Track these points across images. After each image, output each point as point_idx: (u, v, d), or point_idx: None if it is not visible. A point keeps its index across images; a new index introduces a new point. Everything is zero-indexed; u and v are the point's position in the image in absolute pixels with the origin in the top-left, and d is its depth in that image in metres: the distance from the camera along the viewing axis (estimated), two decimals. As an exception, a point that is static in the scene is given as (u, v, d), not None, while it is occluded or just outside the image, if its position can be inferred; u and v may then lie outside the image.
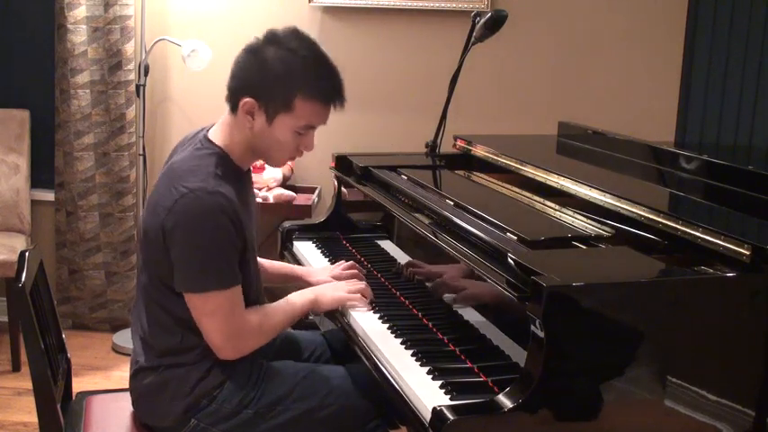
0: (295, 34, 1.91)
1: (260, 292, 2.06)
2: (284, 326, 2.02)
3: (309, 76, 1.87)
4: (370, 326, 2.00)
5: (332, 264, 2.44)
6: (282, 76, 1.86)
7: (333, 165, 2.75)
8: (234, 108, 1.92)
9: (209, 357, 1.92)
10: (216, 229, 1.83)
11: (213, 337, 1.88)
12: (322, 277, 2.24)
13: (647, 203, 1.94)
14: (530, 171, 2.41)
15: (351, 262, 2.29)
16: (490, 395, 1.58)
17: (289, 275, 2.31)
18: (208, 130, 1.99)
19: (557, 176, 2.29)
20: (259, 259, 2.25)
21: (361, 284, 2.13)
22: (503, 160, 2.56)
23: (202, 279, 1.83)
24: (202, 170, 1.87)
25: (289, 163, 3.75)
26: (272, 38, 1.90)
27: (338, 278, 2.21)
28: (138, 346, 2.00)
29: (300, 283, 2.27)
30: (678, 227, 1.82)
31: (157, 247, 1.87)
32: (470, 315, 1.98)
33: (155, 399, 1.95)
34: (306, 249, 2.60)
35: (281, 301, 2.04)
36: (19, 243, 3.59)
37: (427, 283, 2.16)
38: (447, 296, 2.07)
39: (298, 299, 2.06)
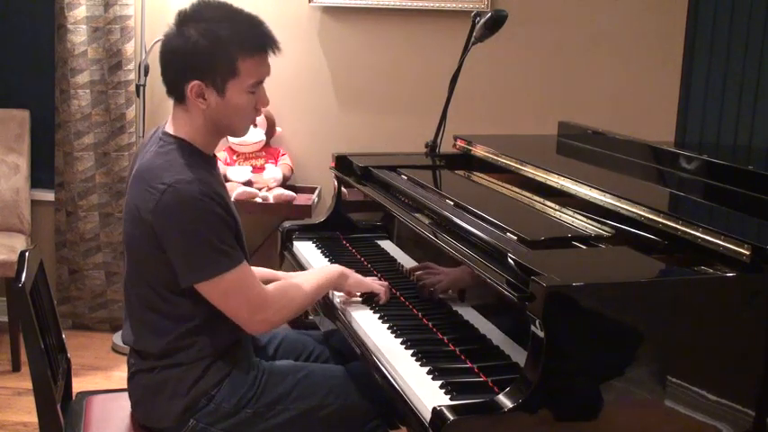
0: (204, 4, 1.92)
1: None
2: (310, 297, 2.02)
3: (238, 35, 1.87)
4: (370, 326, 2.00)
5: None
6: (215, 47, 1.85)
7: (333, 165, 2.75)
8: (180, 97, 1.91)
9: (206, 357, 1.92)
10: (206, 215, 1.83)
11: (238, 314, 1.88)
12: None
13: (647, 203, 1.94)
14: (530, 171, 2.41)
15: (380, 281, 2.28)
16: (490, 395, 1.58)
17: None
18: (163, 128, 1.98)
19: (557, 176, 2.29)
20: (264, 270, 2.25)
21: (384, 284, 2.16)
22: (503, 160, 2.56)
23: (208, 265, 1.83)
24: (173, 164, 1.86)
25: (288, 163, 3.75)
26: (184, 18, 1.90)
27: None
28: (136, 345, 1.99)
29: None
30: (678, 227, 1.82)
31: (148, 251, 1.86)
32: (470, 315, 1.98)
33: (153, 400, 1.95)
34: (306, 249, 2.60)
35: (306, 272, 2.05)
36: (19, 243, 3.59)
37: (431, 288, 2.16)
38: (446, 295, 2.08)
39: (324, 271, 2.08)
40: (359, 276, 2.15)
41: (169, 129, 1.95)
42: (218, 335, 1.92)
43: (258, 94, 1.93)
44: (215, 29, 1.86)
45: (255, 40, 1.90)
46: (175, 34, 1.89)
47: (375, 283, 2.17)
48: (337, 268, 2.13)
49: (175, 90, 1.92)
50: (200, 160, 1.93)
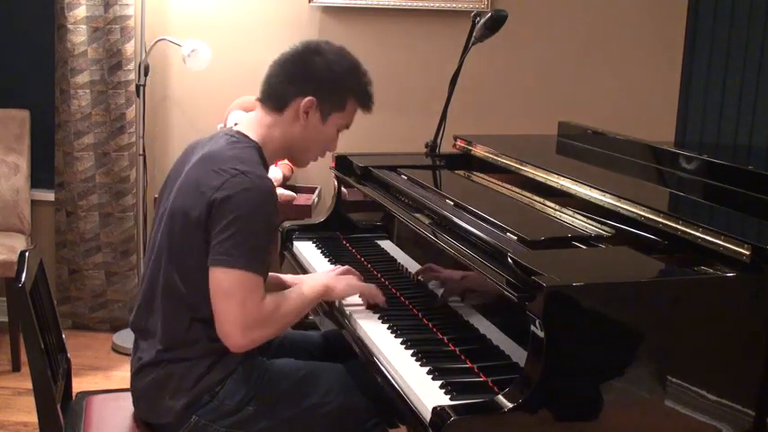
0: (330, 44, 2.08)
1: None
2: (295, 317, 2.01)
3: (361, 80, 2.08)
4: (370, 326, 2.00)
5: (333, 264, 2.44)
6: (343, 77, 2.04)
7: (333, 165, 2.75)
8: (282, 107, 2.00)
9: (211, 353, 1.92)
10: (264, 213, 1.87)
11: (225, 321, 1.86)
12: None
13: (647, 203, 1.94)
14: (530, 171, 2.41)
15: (346, 266, 2.26)
16: (490, 395, 1.59)
17: (280, 286, 2.24)
18: (230, 128, 2.05)
19: (557, 176, 2.29)
20: None
21: (373, 286, 2.14)
22: (503, 160, 2.56)
23: (235, 255, 1.83)
24: (247, 159, 1.92)
25: (288, 163, 3.76)
26: (312, 46, 2.05)
27: None
28: (143, 340, 1.99)
29: None
30: (678, 227, 1.82)
31: (195, 228, 1.86)
32: (470, 315, 1.98)
33: (157, 395, 1.95)
34: (306, 249, 2.60)
35: (293, 291, 2.03)
36: (19, 243, 3.59)
37: (439, 290, 2.15)
38: (453, 298, 2.07)
39: (308, 289, 2.06)
40: (346, 281, 2.11)
41: (242, 129, 2.02)
42: None
43: (338, 135, 2.10)
44: (345, 64, 2.06)
45: (368, 92, 2.10)
46: (301, 55, 2.03)
47: (364, 286, 2.12)
48: (321, 282, 2.08)
49: (282, 98, 2.01)
50: (266, 168, 2.00)
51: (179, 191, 1.95)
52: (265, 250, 1.89)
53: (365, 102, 2.09)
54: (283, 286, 2.24)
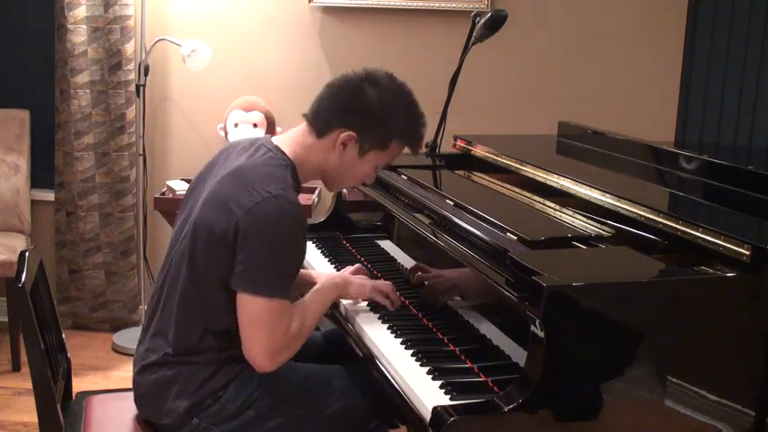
0: (391, 78, 2.00)
1: None
2: (318, 321, 2.04)
3: (409, 122, 1.99)
4: (369, 326, 2.00)
5: (333, 264, 2.44)
6: (387, 118, 1.95)
7: (333, 165, 2.74)
8: (323, 133, 1.95)
9: (219, 360, 1.92)
10: (293, 239, 1.85)
11: (252, 347, 1.86)
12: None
13: (647, 203, 1.94)
14: (530, 171, 2.41)
15: (357, 265, 2.28)
16: (490, 395, 1.59)
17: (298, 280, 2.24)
18: (270, 140, 2.00)
19: (557, 176, 2.29)
20: None
21: (389, 285, 2.14)
22: (503, 160, 2.56)
23: (261, 282, 1.82)
24: (280, 179, 1.88)
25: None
26: (373, 77, 1.97)
27: None
28: (152, 338, 1.98)
29: (306, 288, 2.19)
30: (678, 227, 1.82)
31: (218, 245, 1.84)
32: (470, 315, 1.98)
33: (160, 395, 1.95)
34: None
35: (312, 297, 2.04)
36: (19, 243, 3.59)
37: (434, 289, 2.15)
38: (453, 299, 2.07)
39: (324, 289, 2.06)
40: (361, 281, 2.12)
41: (282, 145, 1.98)
42: (236, 343, 1.91)
43: (375, 172, 2.04)
44: (395, 103, 1.96)
45: (417, 134, 2.01)
46: (356, 85, 1.95)
47: (377, 287, 2.12)
48: (336, 282, 2.09)
49: (326, 125, 1.96)
50: (298, 187, 1.96)
51: (207, 202, 1.91)
52: (292, 276, 1.90)
53: (412, 144, 2.02)
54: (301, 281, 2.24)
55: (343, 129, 1.94)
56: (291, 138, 2.00)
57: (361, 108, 1.94)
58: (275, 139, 2.00)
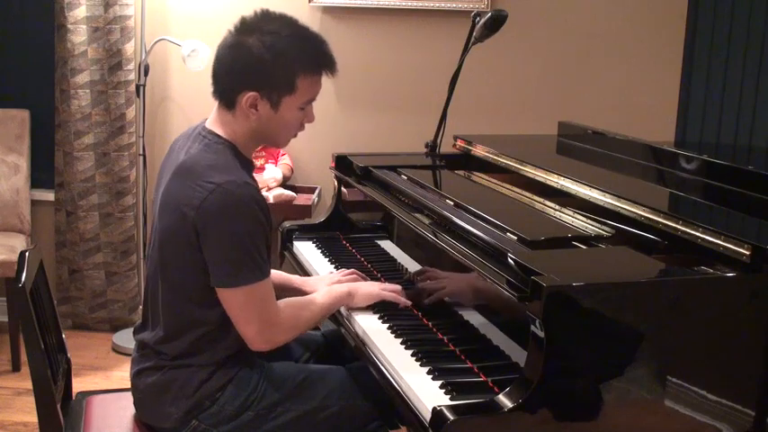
0: (268, 16, 1.89)
1: None
2: (317, 319, 2.03)
3: (302, 53, 1.86)
4: (370, 326, 2.00)
5: (333, 264, 2.44)
6: (278, 62, 1.84)
7: (333, 165, 2.75)
8: (231, 104, 1.90)
9: (215, 360, 1.92)
10: (251, 221, 1.82)
11: (248, 328, 1.87)
12: (320, 286, 2.19)
13: (647, 203, 1.94)
14: (530, 171, 2.41)
15: (351, 269, 2.27)
16: (490, 395, 1.58)
17: (284, 285, 2.25)
18: (204, 125, 1.96)
19: (557, 176, 2.29)
20: None
21: (397, 287, 2.13)
22: (503, 160, 2.56)
23: (238, 273, 1.82)
24: (222, 164, 1.85)
25: (289, 163, 3.76)
26: (247, 27, 1.87)
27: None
28: (145, 346, 1.98)
29: (296, 293, 2.20)
30: (678, 227, 1.82)
31: (184, 248, 1.84)
32: (470, 315, 1.98)
33: (158, 399, 1.95)
34: (306, 249, 2.60)
35: (315, 295, 2.05)
36: (19, 243, 3.59)
37: (436, 294, 2.15)
38: (452, 300, 2.07)
39: (332, 292, 2.06)
40: (367, 289, 2.11)
41: (213, 128, 1.94)
42: (231, 340, 1.92)
43: (307, 110, 1.94)
44: (280, 43, 1.84)
45: (319, 59, 1.90)
46: (236, 43, 1.87)
47: (386, 289, 2.12)
48: (343, 290, 2.09)
49: (227, 96, 1.91)
50: (245, 163, 1.93)
51: (163, 208, 1.90)
52: (264, 252, 1.87)
53: (319, 68, 1.89)
54: (291, 287, 2.25)
55: (243, 92, 1.86)
56: (216, 118, 1.95)
57: (247, 64, 1.85)
58: (209, 123, 1.96)
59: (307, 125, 1.98)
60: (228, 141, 1.92)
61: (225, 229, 1.80)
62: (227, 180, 1.81)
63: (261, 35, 1.84)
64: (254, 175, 3.58)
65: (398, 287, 2.13)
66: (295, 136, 2.00)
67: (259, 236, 1.84)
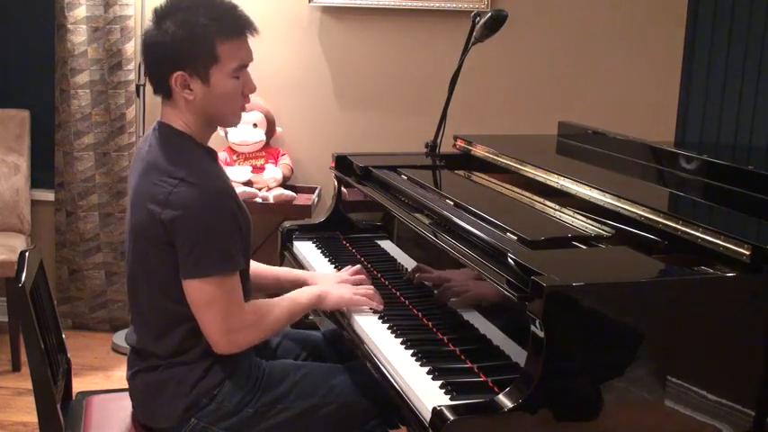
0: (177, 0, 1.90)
1: (249, 289, 2.01)
2: (285, 322, 2.01)
3: (215, 21, 1.86)
4: (369, 325, 2.00)
5: (333, 264, 2.44)
6: (193, 35, 1.85)
7: (333, 165, 2.75)
8: (167, 92, 1.91)
9: (208, 356, 1.92)
10: (219, 211, 1.83)
11: (210, 329, 1.86)
12: (328, 281, 2.19)
13: (647, 203, 1.94)
14: (530, 171, 2.41)
15: (358, 266, 2.27)
16: (490, 395, 1.58)
17: (293, 281, 2.24)
18: (159, 121, 1.97)
19: (557, 176, 2.29)
20: (261, 265, 2.24)
21: (370, 290, 2.12)
22: (503, 160, 2.56)
23: (207, 262, 1.82)
24: (184, 157, 1.87)
25: (289, 163, 3.75)
26: (161, 13, 1.88)
27: (345, 283, 2.18)
28: (138, 346, 1.99)
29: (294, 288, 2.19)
30: (678, 227, 1.82)
31: (156, 245, 1.85)
32: (470, 315, 1.98)
33: (155, 399, 1.94)
34: (306, 249, 2.60)
35: (284, 297, 2.04)
36: (19, 243, 3.59)
37: (435, 290, 2.15)
38: (452, 300, 2.07)
39: (301, 295, 2.06)
40: (338, 293, 2.08)
41: (167, 120, 1.95)
42: None
43: (243, 79, 1.93)
44: (191, 18, 1.85)
45: (232, 23, 1.89)
46: (153, 30, 1.89)
47: (359, 293, 2.09)
48: (313, 293, 2.08)
49: (161, 85, 1.91)
50: (206, 153, 1.94)
51: (133, 206, 1.92)
52: (233, 245, 1.86)
53: (236, 32, 1.89)
54: (277, 280, 2.25)
55: (171, 75, 1.87)
56: (165, 113, 1.96)
57: (167, 47, 1.86)
58: (162, 118, 1.96)
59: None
60: (184, 134, 1.92)
61: (191, 223, 1.81)
62: (189, 173, 1.82)
63: (173, 16, 1.87)
64: (254, 175, 3.60)
65: (372, 291, 2.11)
66: (243, 110, 1.98)
67: (229, 225, 1.85)
